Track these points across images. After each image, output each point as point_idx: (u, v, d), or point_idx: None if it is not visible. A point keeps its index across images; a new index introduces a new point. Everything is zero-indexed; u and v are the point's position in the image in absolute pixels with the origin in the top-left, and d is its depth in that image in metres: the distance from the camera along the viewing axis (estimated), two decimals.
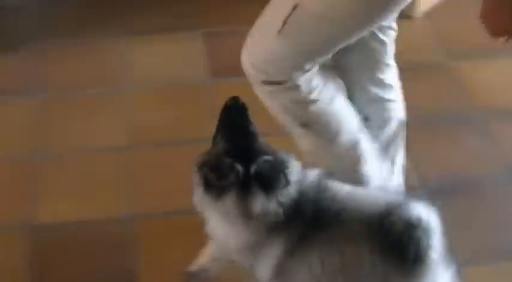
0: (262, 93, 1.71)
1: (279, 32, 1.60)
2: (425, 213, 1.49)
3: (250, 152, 1.56)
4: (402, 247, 1.47)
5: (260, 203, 1.53)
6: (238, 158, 1.54)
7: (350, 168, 1.84)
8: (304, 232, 1.57)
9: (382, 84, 1.87)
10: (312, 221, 1.56)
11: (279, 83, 1.66)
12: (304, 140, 1.82)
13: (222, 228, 1.63)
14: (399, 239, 1.47)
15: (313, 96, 1.71)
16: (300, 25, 1.59)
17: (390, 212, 1.50)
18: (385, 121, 1.92)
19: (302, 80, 1.67)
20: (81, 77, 2.57)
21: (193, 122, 2.38)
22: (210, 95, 2.49)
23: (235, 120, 1.60)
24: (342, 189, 1.63)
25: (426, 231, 1.47)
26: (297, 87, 1.68)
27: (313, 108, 1.73)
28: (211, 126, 1.60)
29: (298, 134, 1.81)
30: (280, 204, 1.55)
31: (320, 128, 1.78)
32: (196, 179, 1.58)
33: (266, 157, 1.55)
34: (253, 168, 1.53)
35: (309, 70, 1.66)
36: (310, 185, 1.61)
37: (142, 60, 2.65)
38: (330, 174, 1.68)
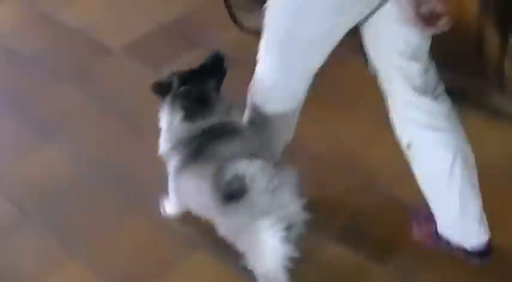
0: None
1: None
2: (252, 170, 1.74)
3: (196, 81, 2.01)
4: (225, 188, 1.77)
5: (178, 119, 2.00)
6: (184, 81, 2.01)
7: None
8: (190, 155, 1.98)
9: None
10: (198, 149, 1.96)
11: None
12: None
13: (162, 133, 2.09)
14: (226, 183, 1.77)
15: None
16: None
17: (235, 160, 1.79)
18: None
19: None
20: None
21: None
22: None
23: (207, 64, 2.06)
24: (241, 136, 1.98)
25: (248, 184, 1.73)
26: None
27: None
28: None
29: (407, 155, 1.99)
30: (191, 128, 1.99)
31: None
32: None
33: (199, 86, 2.00)
34: (181, 88, 1.99)
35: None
36: (226, 125, 1.99)
37: None
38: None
